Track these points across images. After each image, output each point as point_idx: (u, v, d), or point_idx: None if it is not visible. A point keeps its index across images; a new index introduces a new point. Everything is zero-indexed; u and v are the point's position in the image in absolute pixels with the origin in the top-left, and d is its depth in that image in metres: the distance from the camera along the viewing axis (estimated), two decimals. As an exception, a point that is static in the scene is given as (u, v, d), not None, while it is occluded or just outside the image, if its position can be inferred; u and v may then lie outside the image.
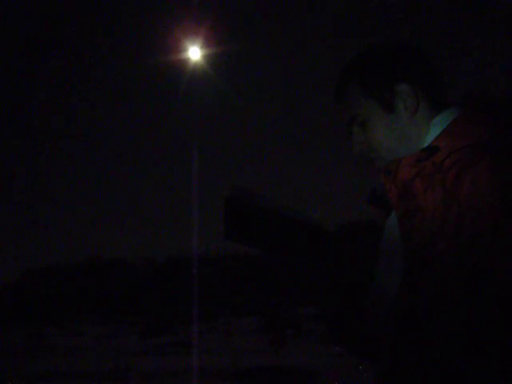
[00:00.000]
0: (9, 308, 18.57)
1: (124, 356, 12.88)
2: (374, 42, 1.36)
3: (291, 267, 1.33)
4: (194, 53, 12.84)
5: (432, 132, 1.24)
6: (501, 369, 1.04)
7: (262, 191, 1.30)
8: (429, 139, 1.23)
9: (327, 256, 1.31)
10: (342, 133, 1.37)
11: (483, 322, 1.05)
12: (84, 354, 13.96)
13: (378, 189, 1.30)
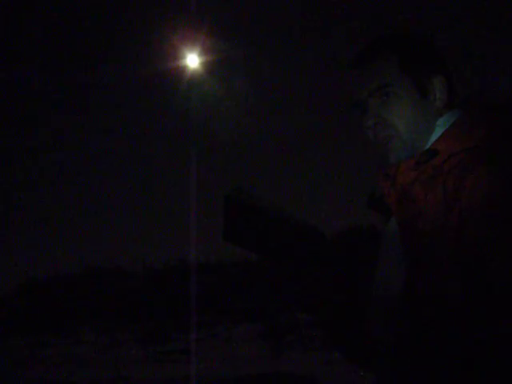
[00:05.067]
0: (8, 318, 18.52)
1: (124, 364, 12.84)
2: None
3: (289, 271, 1.32)
4: (192, 60, 12.84)
5: (434, 134, 1.23)
6: (504, 368, 1.04)
7: (261, 194, 1.29)
8: (431, 141, 1.22)
9: (326, 259, 1.30)
10: (340, 138, 1.34)
11: (487, 322, 1.05)
12: (84, 362, 13.91)
13: (376, 192, 1.29)
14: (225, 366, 11.84)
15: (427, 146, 1.22)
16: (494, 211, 1.06)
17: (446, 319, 1.09)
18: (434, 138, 1.23)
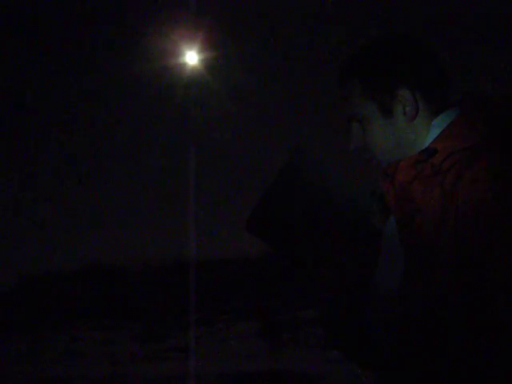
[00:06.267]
0: (7, 314, 18.53)
1: (122, 361, 12.85)
2: (383, 33, 1.33)
3: (322, 250, 1.29)
4: (192, 57, 12.81)
5: (431, 134, 1.23)
6: (503, 370, 1.04)
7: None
8: (428, 141, 1.22)
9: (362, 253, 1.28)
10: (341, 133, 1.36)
11: (484, 322, 1.05)
12: (82, 359, 13.92)
13: (377, 191, 1.29)
14: (223, 363, 11.84)
15: (425, 146, 1.22)
16: (492, 210, 1.06)
17: (445, 319, 1.09)
18: (430, 137, 1.23)
